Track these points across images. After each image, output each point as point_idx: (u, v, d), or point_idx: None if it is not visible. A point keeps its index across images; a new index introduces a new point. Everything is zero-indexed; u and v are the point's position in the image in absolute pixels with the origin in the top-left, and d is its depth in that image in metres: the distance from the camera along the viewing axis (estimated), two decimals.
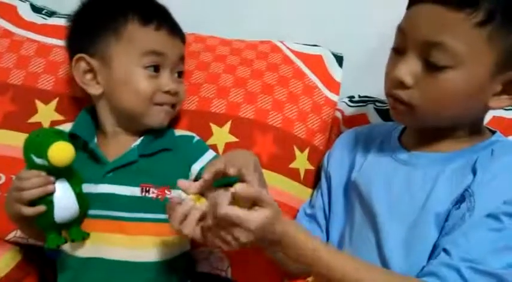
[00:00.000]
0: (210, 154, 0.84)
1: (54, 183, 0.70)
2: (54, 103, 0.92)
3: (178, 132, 0.87)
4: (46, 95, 0.92)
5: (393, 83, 0.68)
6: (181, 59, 0.86)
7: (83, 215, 0.75)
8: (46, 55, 0.96)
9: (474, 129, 0.72)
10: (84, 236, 0.75)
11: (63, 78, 0.94)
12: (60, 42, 0.97)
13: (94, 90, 0.81)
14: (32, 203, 0.70)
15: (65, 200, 0.71)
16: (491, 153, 0.68)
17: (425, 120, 0.70)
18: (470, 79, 0.64)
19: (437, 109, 0.67)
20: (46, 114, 0.91)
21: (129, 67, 0.79)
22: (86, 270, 0.76)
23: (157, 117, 0.82)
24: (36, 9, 1.04)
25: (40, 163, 0.69)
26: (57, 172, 0.71)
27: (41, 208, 0.70)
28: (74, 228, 0.75)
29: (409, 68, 0.66)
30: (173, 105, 0.84)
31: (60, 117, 0.91)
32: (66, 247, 0.76)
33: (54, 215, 0.71)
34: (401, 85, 0.67)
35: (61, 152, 0.67)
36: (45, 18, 1.02)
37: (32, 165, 0.71)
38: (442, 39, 0.63)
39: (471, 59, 0.63)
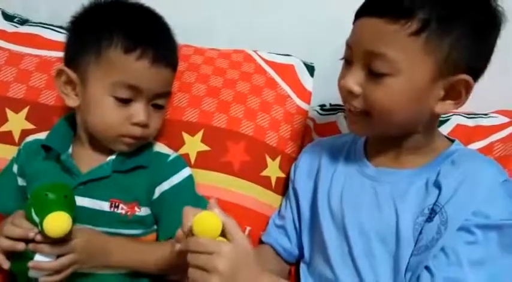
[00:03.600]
0: (180, 175, 0.83)
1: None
2: (25, 112, 0.91)
3: (158, 147, 0.86)
4: (17, 103, 0.92)
5: (344, 93, 0.72)
6: (164, 90, 0.80)
7: None
8: (17, 63, 0.95)
9: (429, 136, 0.74)
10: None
11: (34, 87, 0.93)
12: (32, 51, 0.96)
13: (72, 101, 0.79)
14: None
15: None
16: (452, 163, 0.71)
17: (375, 128, 0.73)
18: (410, 85, 0.67)
19: (384, 115, 0.70)
20: (17, 123, 0.91)
21: (100, 93, 0.76)
22: None
23: (120, 146, 0.80)
24: (7, 17, 1.03)
25: (35, 221, 0.68)
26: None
27: (19, 246, 0.68)
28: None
29: (355, 78, 0.70)
30: (142, 137, 0.80)
31: (31, 126, 0.90)
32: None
33: (29, 272, 0.69)
34: (351, 94, 0.71)
35: (55, 226, 0.66)
36: (17, 26, 1.02)
37: (29, 217, 0.70)
38: (381, 49, 0.67)
39: (409, 66, 0.66)
